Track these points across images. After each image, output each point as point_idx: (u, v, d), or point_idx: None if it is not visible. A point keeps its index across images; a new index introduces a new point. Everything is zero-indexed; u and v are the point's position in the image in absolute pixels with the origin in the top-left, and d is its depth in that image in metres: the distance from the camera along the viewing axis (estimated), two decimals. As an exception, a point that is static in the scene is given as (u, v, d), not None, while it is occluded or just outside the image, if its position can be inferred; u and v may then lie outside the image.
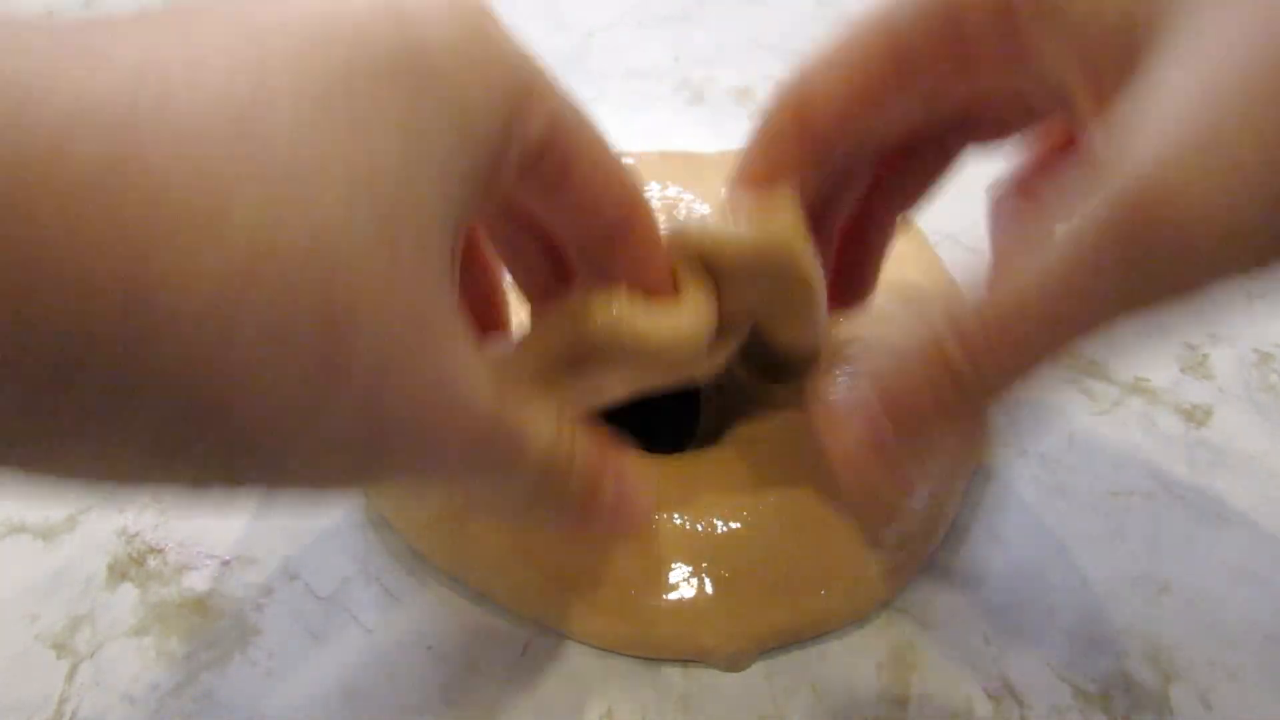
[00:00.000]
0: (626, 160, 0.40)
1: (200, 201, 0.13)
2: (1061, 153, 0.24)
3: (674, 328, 0.21)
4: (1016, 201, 0.25)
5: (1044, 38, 0.18)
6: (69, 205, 0.12)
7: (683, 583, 0.27)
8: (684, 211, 0.36)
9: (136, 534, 0.30)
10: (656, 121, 0.46)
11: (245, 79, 0.14)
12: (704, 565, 0.27)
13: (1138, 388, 0.33)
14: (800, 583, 0.27)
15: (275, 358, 0.14)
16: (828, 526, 0.28)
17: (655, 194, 0.38)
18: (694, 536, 0.28)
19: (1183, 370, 0.34)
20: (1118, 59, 0.17)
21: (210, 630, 0.28)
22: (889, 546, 0.28)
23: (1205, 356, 0.34)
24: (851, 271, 0.27)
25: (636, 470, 0.23)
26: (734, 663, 0.27)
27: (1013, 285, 0.17)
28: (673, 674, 0.27)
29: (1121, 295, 0.17)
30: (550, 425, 0.20)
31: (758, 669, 0.27)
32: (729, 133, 0.45)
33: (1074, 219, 0.17)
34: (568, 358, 0.22)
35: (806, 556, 0.27)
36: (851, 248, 0.26)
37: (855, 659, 0.27)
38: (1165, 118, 0.16)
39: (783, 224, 0.22)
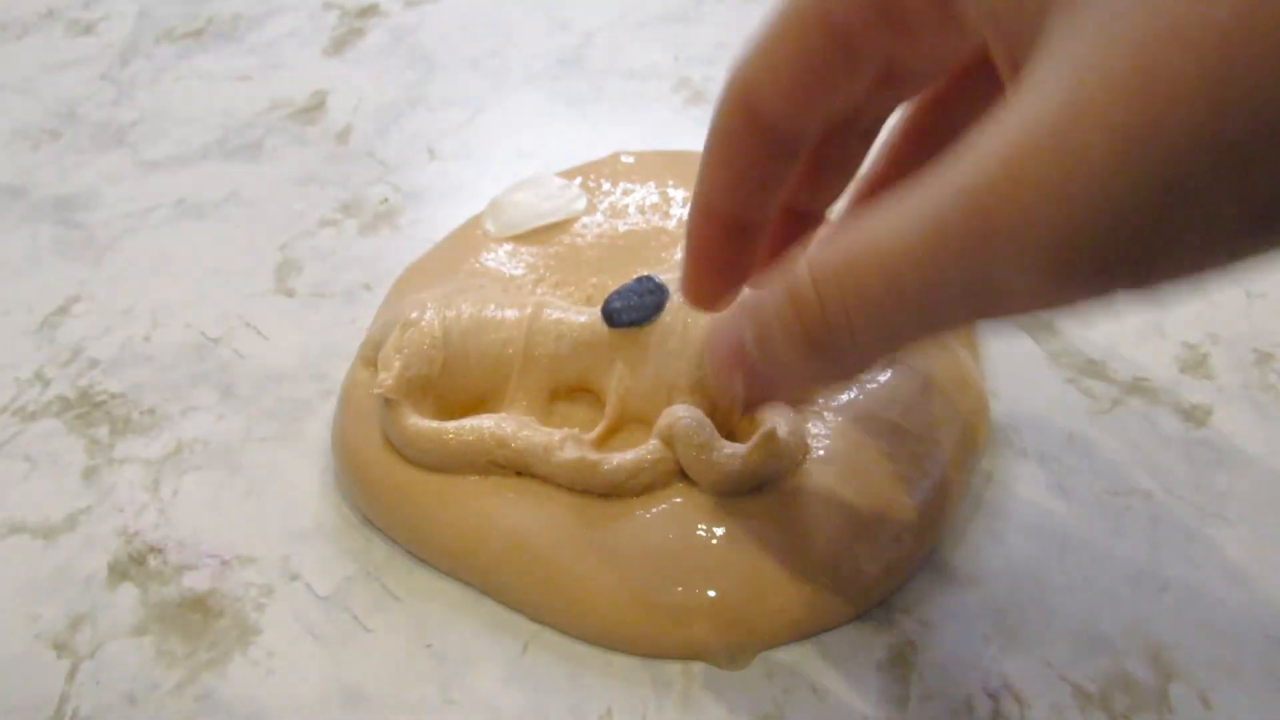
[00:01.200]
0: (626, 159, 0.40)
1: None
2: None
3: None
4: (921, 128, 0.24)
5: (967, 6, 0.18)
6: None
7: (682, 582, 0.27)
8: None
9: (136, 534, 0.30)
10: (656, 121, 0.46)
11: None
12: (703, 565, 0.27)
13: (1138, 388, 0.33)
14: (798, 580, 0.27)
15: None
16: (825, 525, 0.28)
17: (655, 193, 0.38)
18: (693, 536, 0.28)
19: (1182, 370, 0.34)
20: (1026, 32, 0.16)
21: (210, 630, 0.28)
22: (885, 542, 0.28)
23: (1205, 356, 0.34)
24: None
25: None
26: (734, 661, 0.27)
27: (866, 234, 0.17)
28: (673, 674, 0.27)
29: (964, 290, 0.16)
30: None
31: (758, 669, 0.27)
32: (729, 133, 0.45)
33: (929, 196, 0.16)
34: None
35: (804, 554, 0.27)
36: (779, 246, 0.26)
37: (855, 659, 0.27)
38: (1025, 114, 0.15)
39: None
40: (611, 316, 0.30)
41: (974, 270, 0.16)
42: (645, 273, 0.31)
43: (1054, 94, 0.15)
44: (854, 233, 0.18)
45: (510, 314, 0.31)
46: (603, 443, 0.30)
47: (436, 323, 0.30)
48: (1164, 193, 0.14)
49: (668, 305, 0.30)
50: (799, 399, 0.24)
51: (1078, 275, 0.15)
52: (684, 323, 0.29)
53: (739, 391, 0.21)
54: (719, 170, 0.23)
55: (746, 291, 0.22)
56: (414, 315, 0.31)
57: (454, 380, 0.30)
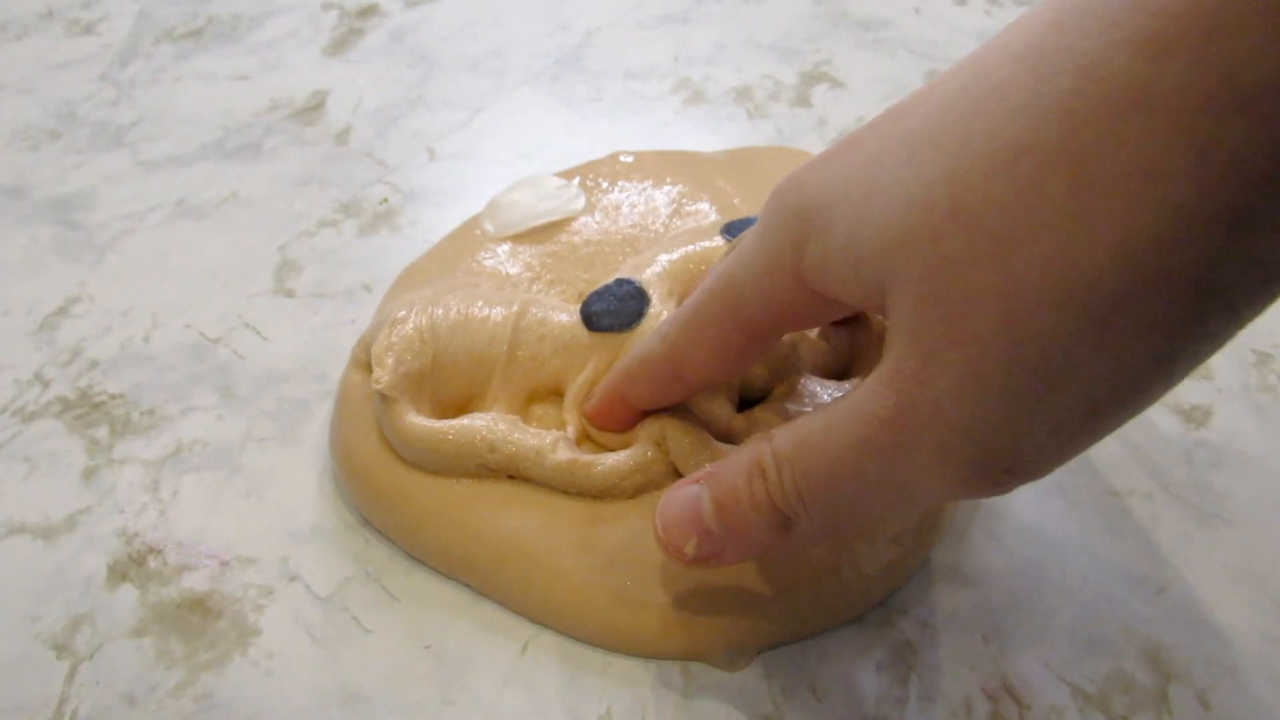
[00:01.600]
0: (625, 159, 0.41)
1: None
2: None
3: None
4: None
5: (840, 297, 0.22)
6: None
7: (682, 583, 0.27)
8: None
9: (136, 534, 0.30)
10: (656, 121, 0.46)
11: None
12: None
13: (1137, 388, 0.33)
14: (798, 581, 0.27)
15: None
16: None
17: (654, 192, 0.38)
18: (693, 537, 0.28)
19: (1182, 370, 0.34)
20: (880, 304, 0.20)
21: (210, 630, 0.28)
22: (884, 543, 0.28)
23: (1205, 356, 0.34)
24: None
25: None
26: (733, 662, 0.27)
27: (816, 426, 0.21)
28: (673, 673, 0.27)
29: (886, 487, 0.20)
30: None
31: (758, 669, 0.27)
32: (728, 132, 0.45)
33: (857, 415, 0.20)
34: None
35: (803, 555, 0.27)
36: None
37: (855, 659, 0.27)
38: (898, 374, 0.19)
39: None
40: (591, 320, 0.30)
41: (894, 482, 0.20)
42: (626, 275, 0.31)
43: (907, 361, 0.19)
44: (807, 423, 0.22)
45: (497, 312, 0.31)
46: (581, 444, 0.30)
47: (424, 320, 0.30)
48: (996, 422, 0.18)
49: (648, 313, 0.30)
50: (732, 563, 0.26)
51: (966, 483, 0.19)
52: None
53: (689, 553, 0.24)
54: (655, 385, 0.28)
55: (706, 466, 0.25)
56: (402, 314, 0.31)
57: (445, 377, 0.30)
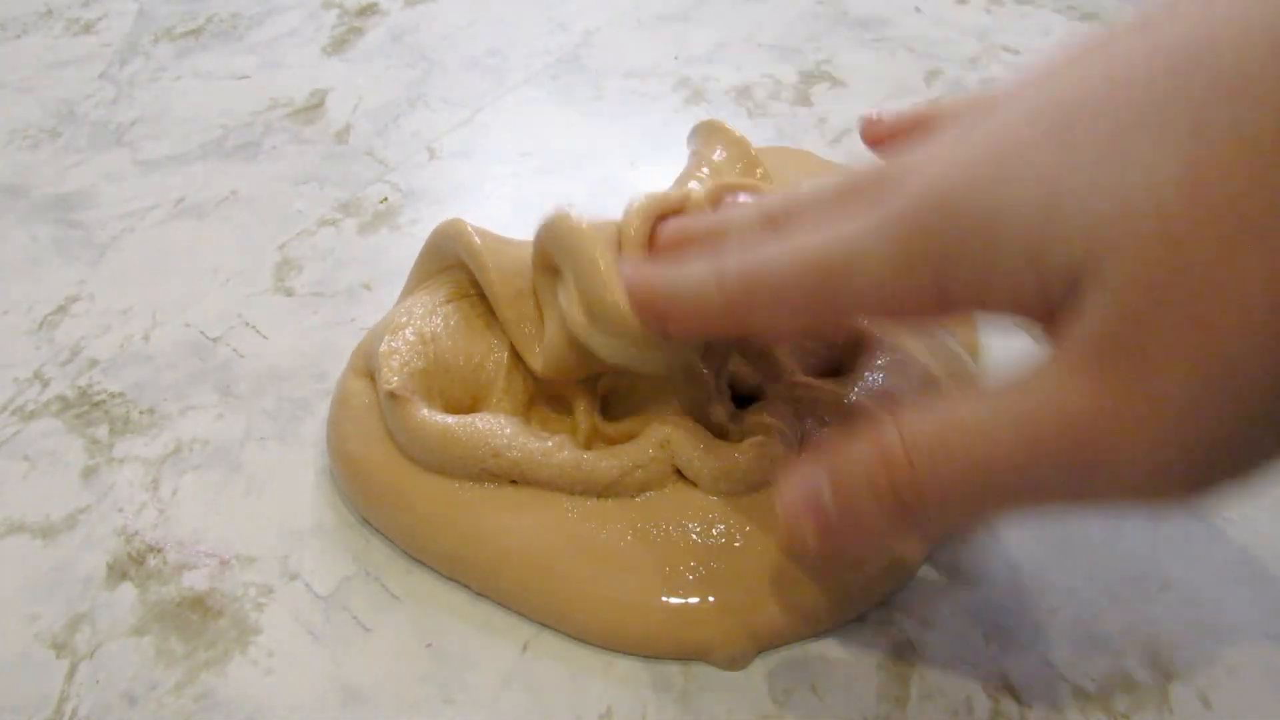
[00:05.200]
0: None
1: None
2: None
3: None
4: None
5: (997, 304, 0.20)
6: None
7: (682, 583, 0.27)
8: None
9: (136, 534, 0.30)
10: (656, 121, 0.46)
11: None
12: (703, 565, 0.27)
13: (1137, 387, 0.33)
14: (798, 582, 0.27)
15: None
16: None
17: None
18: (693, 537, 0.28)
19: (1182, 370, 0.33)
20: (1055, 302, 0.19)
21: (210, 630, 0.28)
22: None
23: (1205, 356, 0.34)
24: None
25: None
26: (733, 662, 0.27)
27: (960, 415, 0.19)
28: (673, 674, 0.27)
29: (1058, 490, 0.19)
30: None
31: (758, 669, 0.27)
32: (729, 132, 0.45)
33: (1021, 405, 0.19)
34: None
35: (805, 555, 0.27)
36: None
37: (855, 659, 0.27)
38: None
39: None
40: None
41: (1070, 482, 0.18)
42: None
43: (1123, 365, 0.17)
44: (945, 411, 0.19)
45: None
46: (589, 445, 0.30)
47: (424, 324, 0.31)
48: (1230, 428, 0.17)
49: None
50: (865, 557, 0.24)
51: (1165, 494, 0.18)
52: None
53: (811, 543, 0.22)
54: None
55: (799, 469, 0.23)
56: (403, 319, 0.31)
57: (450, 377, 0.30)
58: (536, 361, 0.30)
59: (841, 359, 0.32)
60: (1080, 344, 0.18)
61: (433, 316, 0.31)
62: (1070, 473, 0.18)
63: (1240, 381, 0.16)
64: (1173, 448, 0.17)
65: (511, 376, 0.31)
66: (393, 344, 0.30)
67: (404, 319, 0.31)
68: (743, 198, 0.28)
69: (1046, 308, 0.18)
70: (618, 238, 0.27)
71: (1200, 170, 0.16)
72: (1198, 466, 0.17)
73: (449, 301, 0.32)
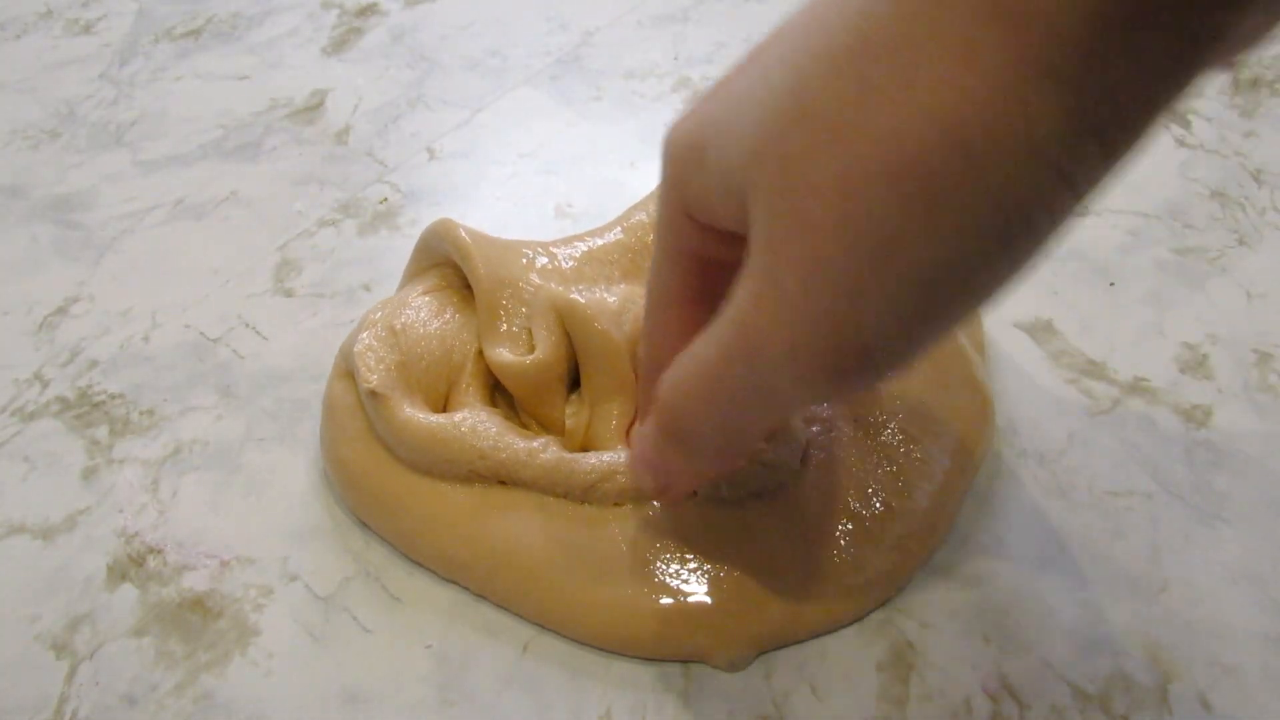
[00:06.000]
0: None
1: None
2: None
3: None
4: None
5: (717, 219, 0.22)
6: None
7: (683, 583, 0.27)
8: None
9: (136, 534, 0.30)
10: (656, 121, 0.46)
11: None
12: (703, 566, 0.27)
13: (1138, 388, 0.33)
14: (798, 583, 0.27)
15: None
16: (827, 530, 0.28)
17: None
18: (693, 537, 0.28)
19: (1182, 370, 0.34)
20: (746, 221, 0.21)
21: (209, 631, 0.28)
22: (887, 547, 0.28)
23: (1205, 356, 0.34)
24: None
25: None
26: (733, 663, 0.27)
27: (689, 352, 0.22)
28: (673, 674, 0.27)
29: (754, 391, 0.21)
30: None
31: (758, 669, 0.27)
32: (728, 132, 0.45)
33: (719, 327, 0.21)
34: None
35: (805, 559, 0.27)
36: None
37: (855, 659, 0.27)
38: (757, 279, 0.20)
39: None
40: None
41: (753, 377, 0.20)
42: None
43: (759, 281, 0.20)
44: (685, 354, 0.22)
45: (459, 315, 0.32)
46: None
47: (394, 319, 0.31)
48: (834, 318, 0.19)
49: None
50: (687, 489, 0.26)
51: (820, 380, 0.19)
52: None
53: (648, 485, 0.25)
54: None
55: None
56: (375, 316, 0.32)
57: (424, 367, 0.31)
58: (495, 358, 0.31)
59: None
60: (748, 254, 0.20)
61: (405, 309, 0.32)
62: (751, 374, 0.20)
63: (833, 268, 0.18)
64: (800, 328, 0.19)
65: (479, 362, 0.31)
66: (366, 340, 0.31)
67: (376, 315, 0.32)
68: None
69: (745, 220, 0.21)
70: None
71: (804, 80, 0.19)
72: (825, 350, 0.19)
73: (425, 294, 0.32)
